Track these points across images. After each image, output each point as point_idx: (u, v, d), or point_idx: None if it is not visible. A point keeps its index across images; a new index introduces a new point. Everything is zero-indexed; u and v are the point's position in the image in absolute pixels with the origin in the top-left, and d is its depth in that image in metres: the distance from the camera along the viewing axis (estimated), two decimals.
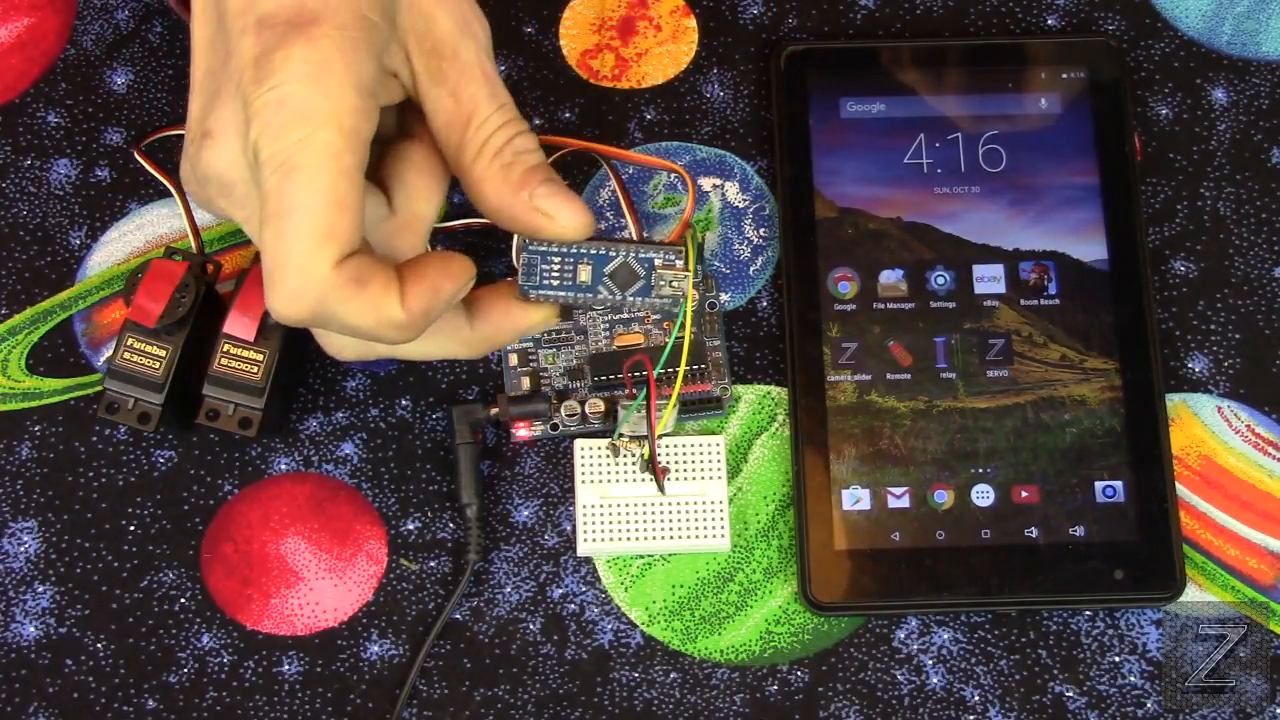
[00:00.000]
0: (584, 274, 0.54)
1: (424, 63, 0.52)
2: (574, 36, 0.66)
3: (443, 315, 0.52)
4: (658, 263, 0.54)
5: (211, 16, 0.51)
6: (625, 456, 0.60)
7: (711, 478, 0.60)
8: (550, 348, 0.61)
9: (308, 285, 0.48)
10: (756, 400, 0.62)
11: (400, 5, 0.51)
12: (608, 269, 0.54)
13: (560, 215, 0.52)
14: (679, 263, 0.54)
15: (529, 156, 0.53)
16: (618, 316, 0.61)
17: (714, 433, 0.61)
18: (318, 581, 0.59)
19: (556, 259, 0.54)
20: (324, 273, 0.48)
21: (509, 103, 0.53)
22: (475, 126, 0.52)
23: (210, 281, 0.59)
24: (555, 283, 0.54)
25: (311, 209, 0.48)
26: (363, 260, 0.49)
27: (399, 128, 0.54)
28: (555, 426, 0.61)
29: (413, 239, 0.54)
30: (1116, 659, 0.59)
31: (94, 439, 0.61)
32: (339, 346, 0.54)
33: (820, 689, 0.58)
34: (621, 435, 0.59)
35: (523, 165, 0.52)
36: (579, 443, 0.60)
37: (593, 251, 0.53)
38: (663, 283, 0.54)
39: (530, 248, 0.53)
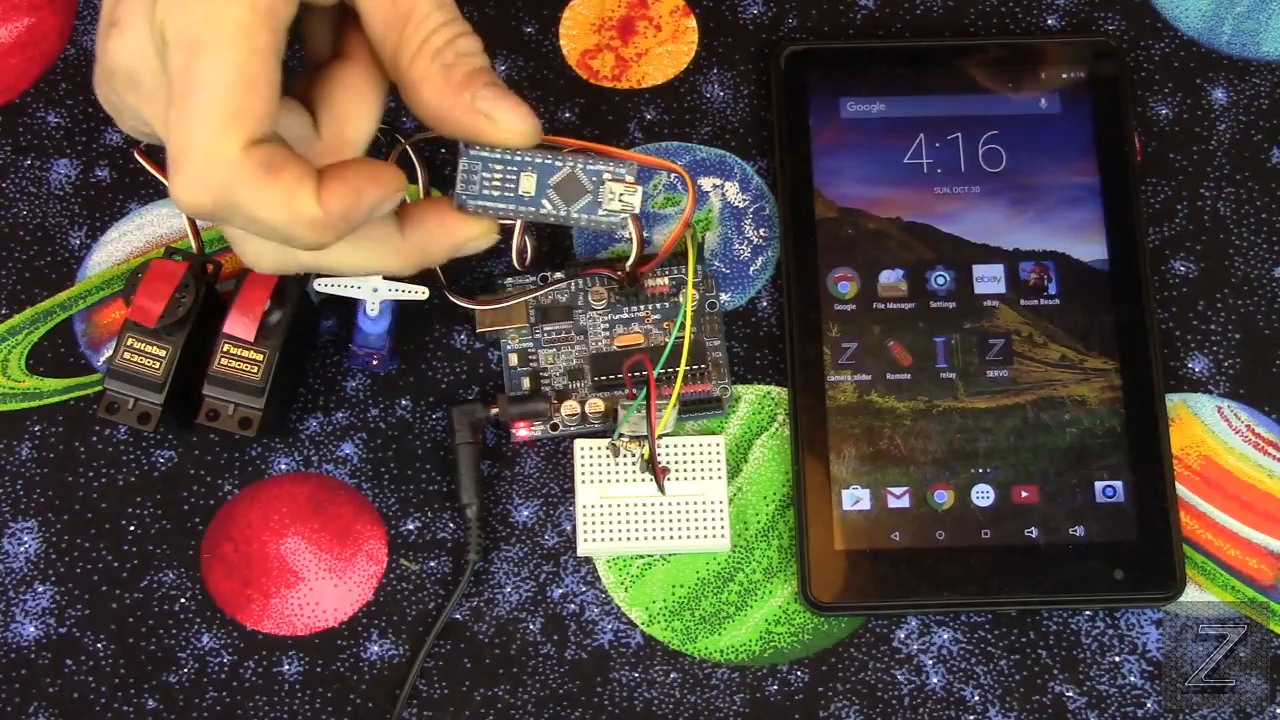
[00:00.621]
0: (527, 184, 0.51)
1: None
2: (574, 36, 0.66)
3: (366, 224, 0.48)
4: (607, 176, 0.51)
5: None
6: (625, 456, 0.60)
7: (711, 478, 0.60)
8: (550, 348, 0.61)
9: (213, 169, 0.45)
10: (756, 400, 0.62)
11: None
12: (553, 180, 0.51)
13: (504, 118, 0.49)
14: (629, 177, 0.51)
15: (472, 59, 0.49)
16: (618, 316, 0.61)
17: (714, 433, 0.61)
18: (318, 581, 0.59)
19: (498, 166, 0.50)
20: (232, 154, 0.45)
21: (451, 4, 0.50)
22: (414, 25, 0.49)
23: (210, 281, 0.59)
24: (495, 193, 0.50)
25: (219, 88, 0.45)
26: (276, 148, 0.46)
27: (333, 49, 0.51)
28: (555, 426, 0.60)
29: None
30: (1116, 659, 0.59)
31: (94, 439, 0.61)
32: (256, 252, 0.50)
33: (820, 689, 0.58)
34: (621, 435, 0.59)
35: (465, 67, 0.49)
36: (579, 443, 0.60)
37: (538, 160, 0.51)
38: (611, 196, 0.51)
39: (470, 153, 0.50)
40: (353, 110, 0.50)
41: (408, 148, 0.61)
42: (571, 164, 0.51)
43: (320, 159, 0.49)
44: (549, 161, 0.51)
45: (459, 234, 0.51)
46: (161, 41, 0.46)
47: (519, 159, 0.51)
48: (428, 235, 0.51)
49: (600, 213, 0.51)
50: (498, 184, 0.51)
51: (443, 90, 0.49)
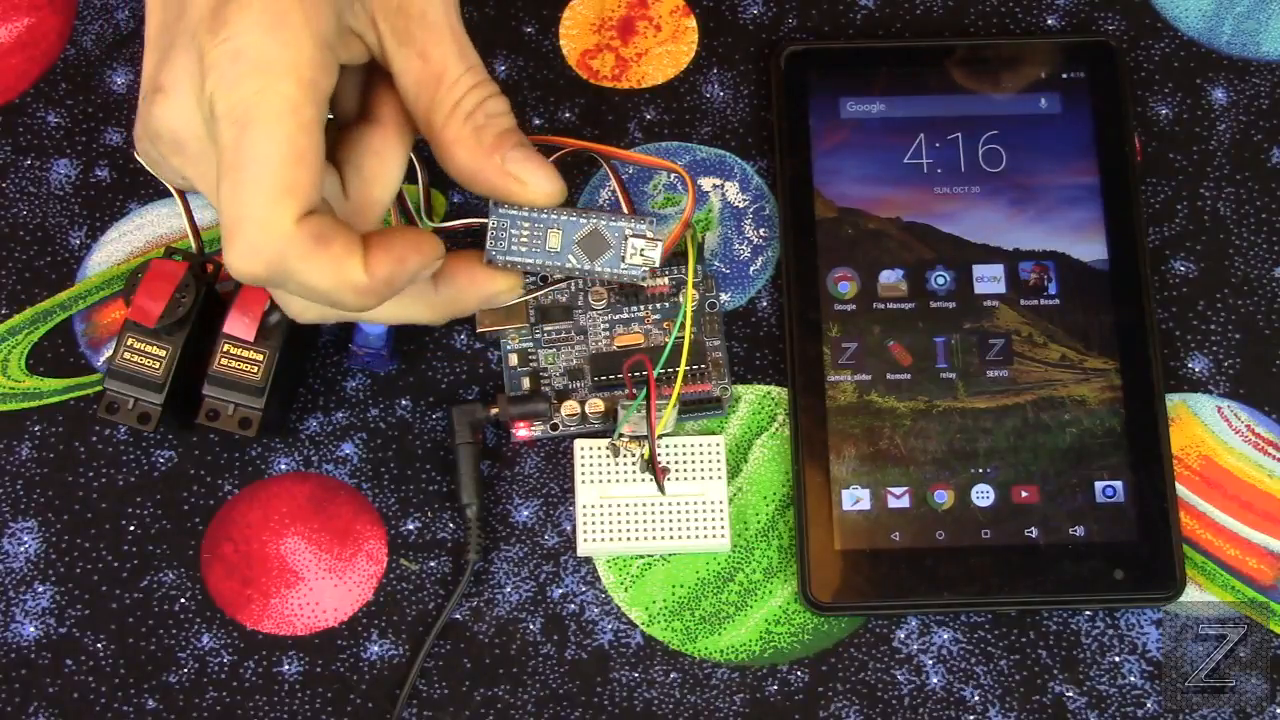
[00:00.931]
0: (553, 240, 0.54)
1: (390, 22, 0.51)
2: (574, 36, 0.66)
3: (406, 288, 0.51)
4: (629, 232, 0.54)
5: None
6: (625, 456, 0.60)
7: (711, 478, 0.60)
8: (550, 348, 0.61)
9: (267, 241, 0.47)
10: (756, 400, 0.62)
11: None
12: (577, 236, 0.54)
13: (533, 180, 0.52)
14: (650, 233, 0.54)
15: (501, 120, 0.52)
16: (618, 316, 0.61)
17: (714, 433, 0.61)
18: (318, 581, 0.59)
19: (526, 224, 0.53)
20: (285, 228, 0.47)
21: (479, 64, 0.52)
22: (446, 87, 0.51)
23: (210, 281, 0.59)
24: (524, 249, 0.53)
25: (271, 162, 0.47)
26: (325, 219, 0.48)
27: (359, 110, 0.53)
28: (555, 426, 0.61)
29: (368, 224, 0.53)
30: (1116, 659, 0.59)
31: (94, 439, 0.61)
32: (300, 308, 0.53)
33: (820, 689, 0.58)
34: (621, 435, 0.59)
35: (495, 128, 0.51)
36: (579, 443, 0.60)
37: (563, 218, 0.53)
38: (633, 251, 0.54)
39: (500, 212, 0.53)
40: (379, 173, 0.52)
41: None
42: (595, 221, 0.54)
43: (348, 219, 0.52)
44: (574, 219, 0.54)
45: (488, 288, 0.54)
46: (210, 114, 0.47)
47: (546, 217, 0.54)
48: (460, 290, 0.54)
49: (622, 267, 0.54)
50: (525, 240, 0.54)
51: (475, 152, 0.51)
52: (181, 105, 0.49)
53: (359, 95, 0.53)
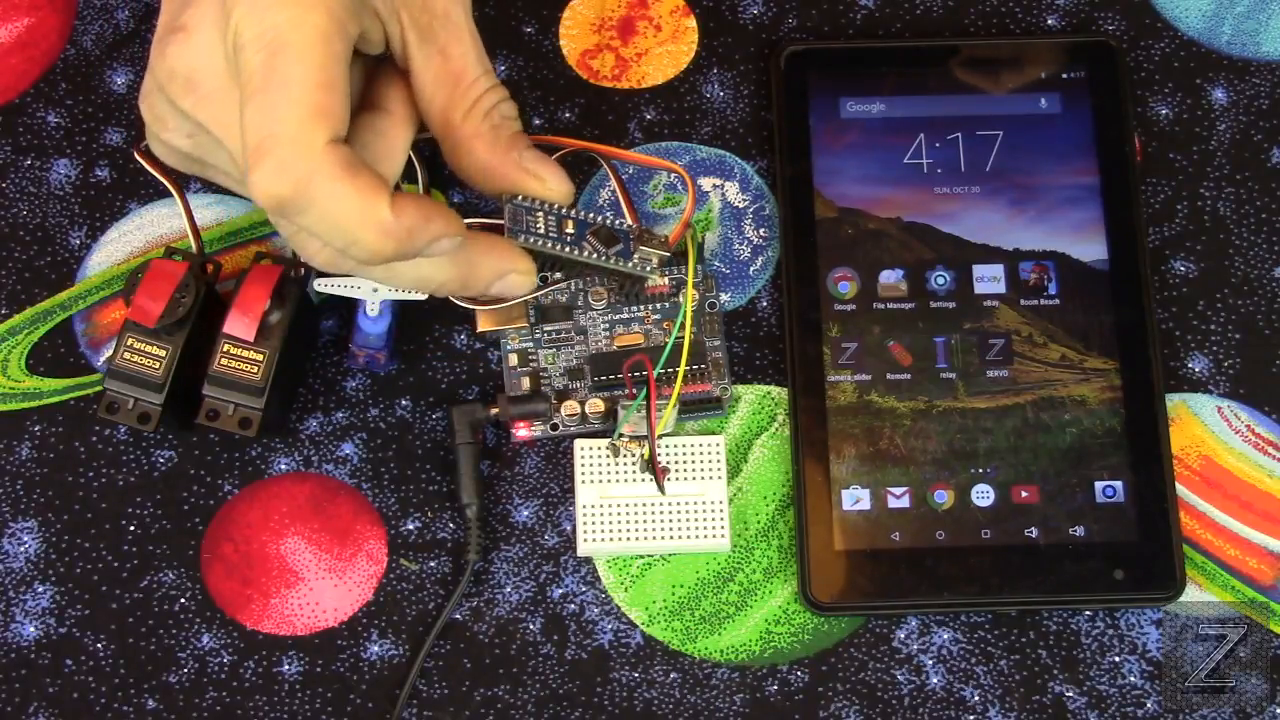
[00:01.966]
0: (569, 225, 0.55)
1: (414, 17, 0.52)
2: (574, 36, 0.66)
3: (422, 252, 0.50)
4: (635, 228, 0.56)
5: None
6: (625, 456, 0.60)
7: (711, 478, 0.60)
8: (550, 348, 0.61)
9: (298, 159, 0.47)
10: (756, 400, 0.62)
11: None
12: (590, 230, 0.56)
13: (550, 178, 0.54)
14: (656, 241, 0.56)
15: (514, 123, 0.54)
16: (618, 316, 0.62)
17: (714, 433, 0.61)
18: (318, 581, 0.59)
19: (540, 214, 0.55)
20: (317, 147, 0.47)
21: (492, 70, 0.54)
22: (466, 85, 0.52)
23: (210, 281, 0.59)
24: (540, 230, 0.55)
25: (306, 84, 0.47)
26: (354, 153, 0.48)
27: (363, 98, 0.54)
28: (555, 426, 0.61)
29: None
30: (1116, 659, 0.59)
31: (94, 439, 0.61)
32: (316, 248, 0.52)
33: (820, 689, 0.58)
34: (621, 435, 0.59)
35: (509, 129, 0.53)
36: (579, 443, 0.60)
37: (575, 215, 0.55)
38: (643, 255, 0.56)
39: (515, 202, 0.54)
40: (385, 154, 0.53)
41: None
42: (605, 220, 0.56)
43: None
44: (583, 216, 0.55)
45: (507, 262, 0.54)
46: (235, 45, 0.48)
47: (559, 211, 0.55)
48: (479, 255, 0.54)
49: (634, 260, 0.56)
50: (541, 228, 0.55)
51: (494, 147, 0.53)
52: (200, 42, 0.49)
53: (362, 86, 0.54)
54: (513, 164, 0.53)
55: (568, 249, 0.55)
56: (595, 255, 0.55)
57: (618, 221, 0.56)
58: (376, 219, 0.48)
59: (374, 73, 0.54)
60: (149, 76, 0.52)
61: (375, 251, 0.49)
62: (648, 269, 0.56)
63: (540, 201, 0.55)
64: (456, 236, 0.51)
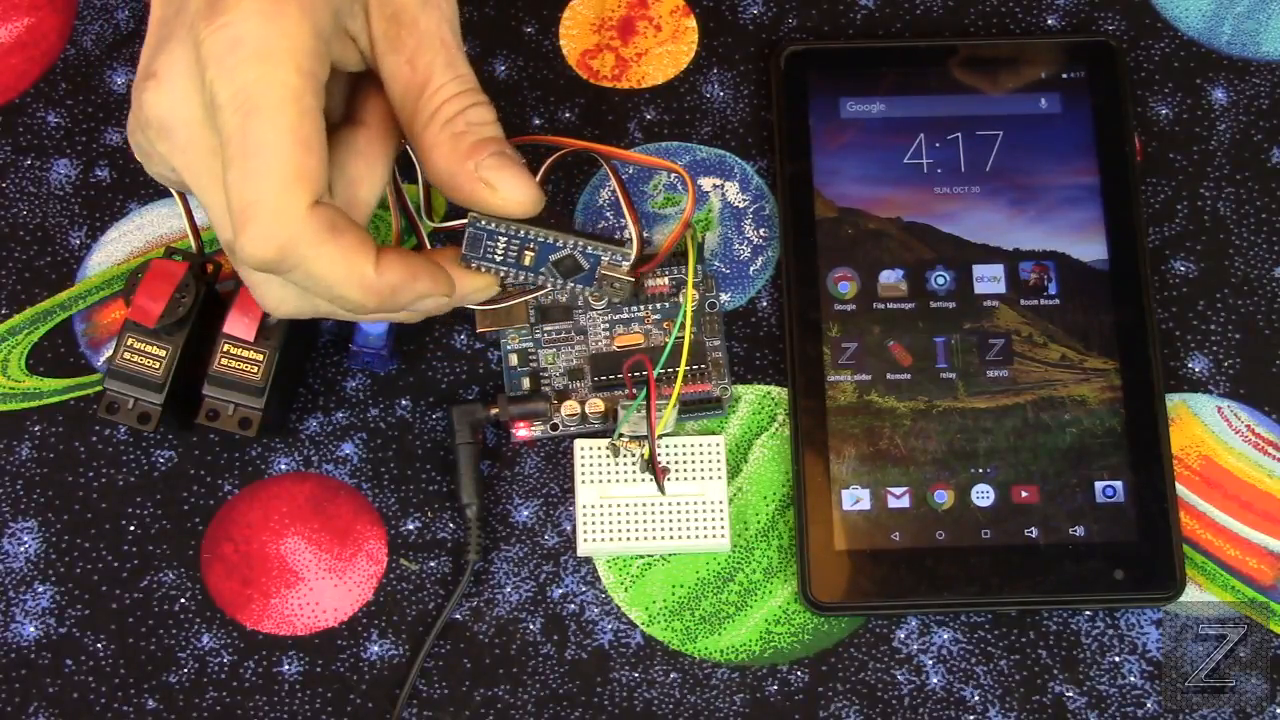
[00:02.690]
0: (528, 259, 0.54)
1: (383, 28, 0.52)
2: (574, 36, 0.66)
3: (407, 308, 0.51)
4: (605, 259, 0.54)
5: None
6: (625, 456, 0.60)
7: (711, 478, 0.60)
8: (550, 348, 0.61)
9: (280, 226, 0.47)
10: (756, 400, 0.62)
11: None
12: (552, 258, 0.54)
13: (503, 187, 0.52)
14: (624, 265, 0.54)
15: (483, 129, 0.52)
16: (618, 316, 0.61)
17: (714, 433, 0.61)
18: (318, 581, 0.59)
19: (502, 239, 0.54)
20: (298, 213, 0.47)
21: (468, 74, 0.52)
22: (429, 94, 0.52)
23: (210, 281, 0.59)
24: (498, 259, 0.54)
25: (279, 149, 0.47)
26: (338, 212, 0.48)
27: (345, 112, 0.54)
28: (555, 426, 0.61)
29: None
30: (1116, 659, 0.59)
31: (94, 439, 0.61)
32: (277, 298, 0.52)
33: (820, 689, 0.58)
34: (621, 435, 0.59)
35: (475, 136, 0.52)
36: (579, 443, 0.60)
37: (539, 239, 0.54)
38: (605, 283, 0.55)
39: (475, 225, 0.54)
40: (365, 174, 0.53)
41: (408, 148, 0.61)
42: (571, 247, 0.54)
43: None
44: (549, 241, 0.54)
45: (463, 286, 0.54)
46: (212, 104, 0.48)
47: (522, 236, 0.54)
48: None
49: (592, 290, 0.55)
50: (500, 252, 0.54)
51: (450, 157, 0.52)
52: (172, 92, 0.49)
53: (345, 100, 0.54)
54: (467, 175, 0.52)
55: (522, 276, 0.54)
56: (553, 286, 0.55)
57: (586, 248, 0.55)
58: (359, 279, 0.49)
59: (356, 86, 0.54)
60: (131, 115, 0.52)
61: (360, 307, 0.50)
62: (613, 302, 0.55)
63: (502, 224, 0.54)
64: (442, 298, 0.52)
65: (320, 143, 0.48)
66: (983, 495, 0.59)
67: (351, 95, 0.54)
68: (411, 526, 0.60)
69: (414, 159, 0.53)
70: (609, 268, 0.54)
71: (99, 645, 0.59)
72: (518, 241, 0.54)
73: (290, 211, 0.47)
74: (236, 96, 0.47)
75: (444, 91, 0.52)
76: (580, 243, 0.54)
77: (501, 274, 0.54)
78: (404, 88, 0.52)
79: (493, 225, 0.54)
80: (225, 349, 0.57)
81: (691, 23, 0.66)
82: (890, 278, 0.62)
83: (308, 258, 0.48)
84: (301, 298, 0.52)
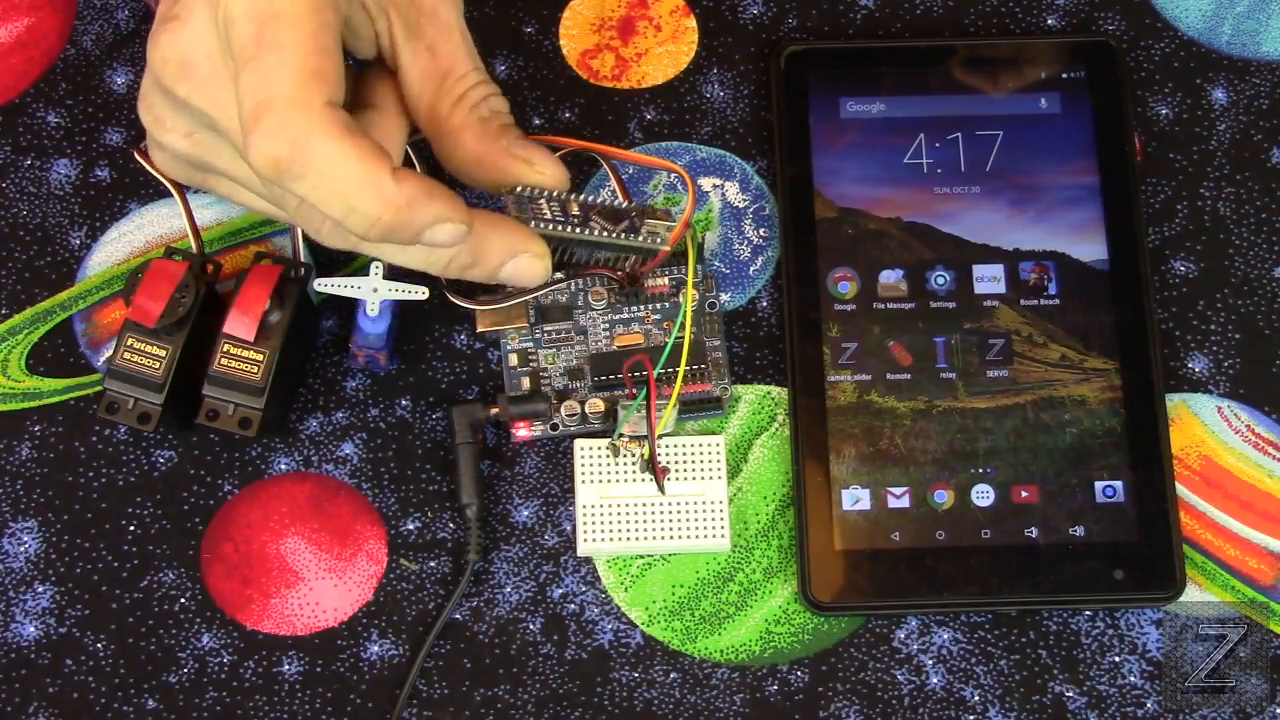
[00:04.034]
0: (574, 207, 0.55)
1: (401, 14, 0.52)
2: (574, 36, 0.66)
3: (419, 239, 0.49)
4: (645, 218, 0.56)
5: None
6: (625, 456, 0.60)
7: (711, 478, 0.60)
8: (550, 348, 0.61)
9: (297, 116, 0.46)
10: (756, 400, 0.62)
11: None
12: (596, 206, 0.56)
13: (540, 162, 0.53)
14: (666, 219, 0.56)
15: (505, 116, 0.54)
16: (618, 316, 0.62)
17: (714, 433, 0.61)
18: (318, 581, 0.60)
19: (543, 200, 0.55)
20: (315, 105, 0.47)
21: (483, 67, 0.54)
22: (454, 80, 0.53)
23: (210, 281, 0.59)
24: (547, 214, 0.55)
25: (299, 48, 0.47)
26: (352, 120, 0.48)
27: (357, 99, 0.54)
28: (555, 426, 0.60)
29: None
30: (1116, 659, 0.59)
31: (94, 439, 0.61)
32: (318, 222, 0.51)
33: (820, 689, 0.58)
34: (621, 435, 0.59)
35: (499, 120, 0.53)
36: (579, 443, 0.60)
37: (581, 194, 0.56)
38: (649, 230, 0.56)
39: (516, 191, 0.54)
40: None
41: (407, 148, 0.61)
42: (608, 198, 0.56)
43: None
44: (589, 198, 0.56)
45: (520, 242, 0.54)
46: (226, 22, 0.48)
47: (561, 197, 0.55)
48: (489, 230, 0.53)
49: (643, 234, 0.56)
50: (547, 213, 0.55)
51: (482, 136, 0.53)
52: (193, 28, 0.49)
53: (354, 89, 0.54)
54: (502, 151, 0.53)
55: (577, 230, 0.55)
56: (605, 233, 0.55)
57: (616, 201, 0.57)
58: (375, 183, 0.47)
59: (363, 75, 0.54)
60: (146, 75, 0.52)
61: (374, 220, 0.48)
62: (657, 241, 0.56)
63: (539, 189, 0.55)
64: (461, 224, 0.50)
65: (337, 57, 0.47)
66: (983, 495, 0.59)
67: (360, 83, 0.54)
68: (411, 526, 0.60)
69: (433, 144, 0.54)
70: (644, 209, 0.56)
71: (99, 645, 0.59)
72: (557, 201, 0.55)
73: (307, 104, 0.46)
74: (254, 7, 0.47)
75: (468, 79, 0.53)
76: (615, 198, 0.56)
77: (555, 229, 0.54)
78: (424, 74, 0.52)
79: (529, 190, 0.55)
80: (225, 349, 0.57)
81: (691, 23, 0.66)
82: (890, 278, 0.62)
83: (321, 155, 0.46)
84: (339, 226, 0.50)
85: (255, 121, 0.47)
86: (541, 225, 0.55)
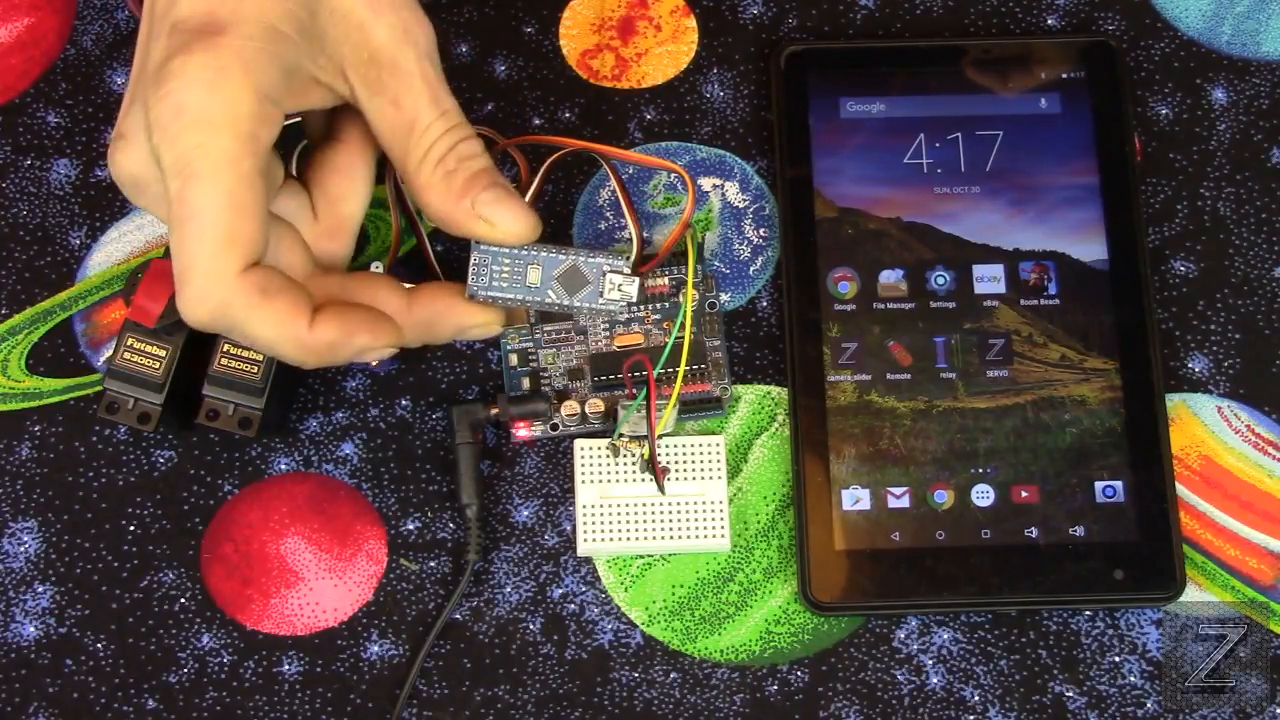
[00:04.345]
0: (533, 276, 0.55)
1: (362, 73, 0.52)
2: (574, 36, 0.66)
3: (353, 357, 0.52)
4: (605, 268, 0.56)
5: (145, 20, 0.52)
6: (625, 456, 0.60)
7: (711, 478, 0.60)
8: (550, 348, 0.61)
9: (212, 289, 0.49)
10: (756, 400, 0.62)
11: (330, 18, 0.52)
12: (556, 272, 0.55)
13: (502, 222, 0.54)
14: (627, 269, 0.56)
15: (473, 162, 0.54)
16: (618, 316, 0.61)
17: (714, 433, 0.61)
18: (318, 581, 0.60)
19: (506, 260, 0.55)
20: (229, 277, 0.49)
21: (453, 108, 0.53)
22: (418, 134, 0.53)
23: None
24: (504, 284, 0.55)
25: (212, 214, 0.48)
26: (272, 274, 0.50)
27: (326, 131, 0.55)
28: (555, 426, 0.61)
29: (341, 241, 0.55)
30: (1116, 659, 0.59)
31: (94, 439, 0.61)
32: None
33: (820, 689, 0.58)
34: (621, 435, 0.59)
35: (465, 172, 0.53)
36: (579, 443, 0.60)
37: (542, 255, 0.55)
38: (611, 286, 0.56)
39: (480, 249, 0.55)
40: (345, 191, 0.55)
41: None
42: (574, 257, 0.56)
43: (322, 240, 0.55)
44: (553, 255, 0.55)
45: (466, 319, 0.56)
46: (160, 168, 0.49)
47: (525, 254, 0.55)
48: (436, 315, 0.55)
49: (601, 301, 0.56)
50: (506, 276, 0.55)
51: (445, 197, 0.53)
52: (137, 152, 0.50)
53: (325, 122, 0.55)
54: (464, 212, 0.53)
55: (531, 299, 0.55)
56: (562, 302, 0.56)
57: (584, 259, 0.56)
58: (294, 337, 0.50)
59: (335, 107, 0.54)
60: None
61: (299, 362, 0.52)
62: (619, 308, 0.56)
63: (502, 247, 0.55)
64: (386, 348, 0.53)
65: (257, 207, 0.49)
66: (983, 495, 0.59)
67: (330, 114, 0.55)
68: (411, 526, 0.60)
69: (406, 194, 0.55)
70: (614, 271, 0.56)
71: (99, 645, 0.59)
72: (521, 261, 0.55)
73: (222, 275, 0.49)
74: (177, 162, 0.48)
75: (432, 131, 0.53)
76: (582, 254, 0.56)
77: (509, 301, 0.55)
78: (391, 128, 0.53)
79: (495, 248, 0.55)
80: (225, 349, 0.57)
81: (691, 23, 0.66)
82: (890, 278, 0.62)
83: (241, 319, 0.49)
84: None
85: (180, 288, 0.49)
86: (492, 298, 0.55)
